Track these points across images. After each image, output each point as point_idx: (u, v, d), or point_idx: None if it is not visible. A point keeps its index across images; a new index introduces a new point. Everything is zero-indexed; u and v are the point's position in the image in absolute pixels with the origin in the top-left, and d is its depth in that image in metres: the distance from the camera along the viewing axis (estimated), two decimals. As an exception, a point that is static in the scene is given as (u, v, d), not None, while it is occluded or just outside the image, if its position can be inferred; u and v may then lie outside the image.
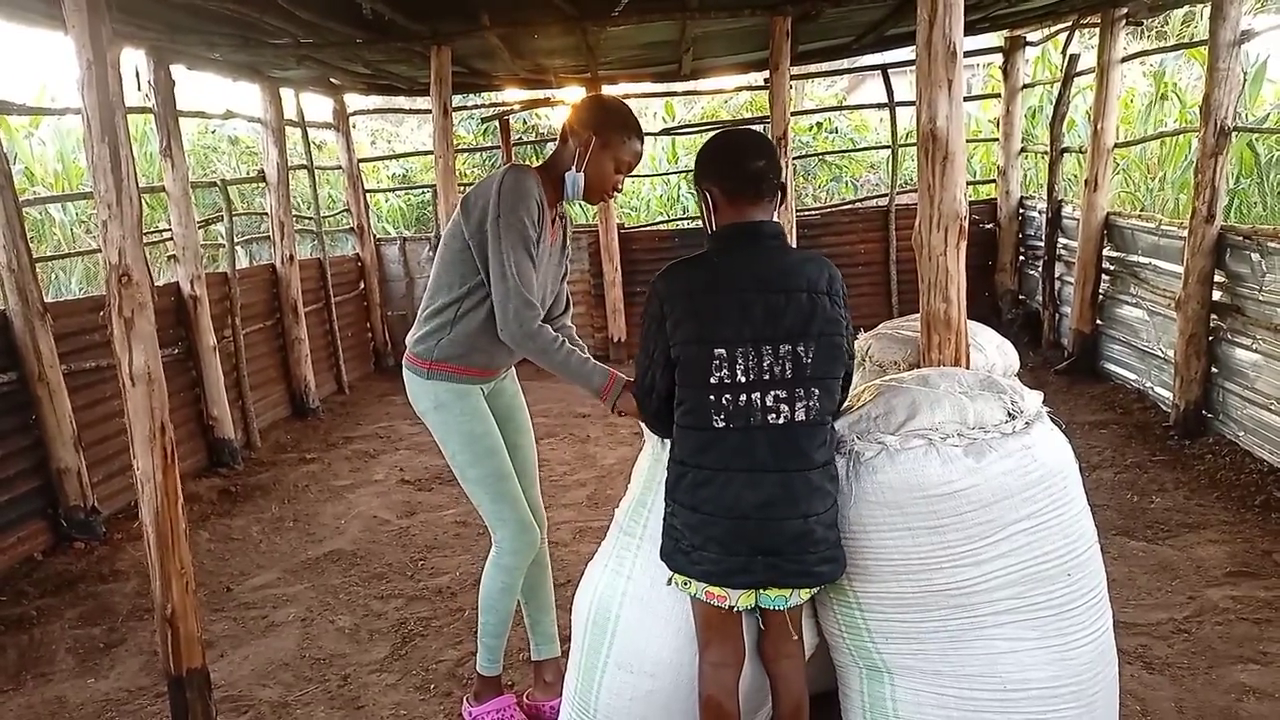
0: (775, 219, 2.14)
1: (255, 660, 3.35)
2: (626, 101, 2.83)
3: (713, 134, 2.31)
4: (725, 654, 2.12)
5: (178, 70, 5.44)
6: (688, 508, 2.04)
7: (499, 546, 2.64)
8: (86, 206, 8.49)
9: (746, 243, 2.08)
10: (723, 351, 1.99)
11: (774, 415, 1.99)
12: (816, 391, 2.01)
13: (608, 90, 8.19)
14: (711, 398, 2.00)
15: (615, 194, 2.61)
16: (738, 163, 2.11)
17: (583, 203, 2.63)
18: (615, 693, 2.32)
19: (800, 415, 2.00)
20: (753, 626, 2.19)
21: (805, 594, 2.10)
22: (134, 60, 5.19)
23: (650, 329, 2.09)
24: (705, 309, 2.01)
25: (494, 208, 2.37)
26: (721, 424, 2.00)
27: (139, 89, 5.28)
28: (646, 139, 2.63)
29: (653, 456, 2.39)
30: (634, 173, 2.69)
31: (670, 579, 2.14)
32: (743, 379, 1.98)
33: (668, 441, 2.17)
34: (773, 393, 1.99)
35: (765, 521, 1.98)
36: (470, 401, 2.58)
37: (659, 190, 11.05)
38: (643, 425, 2.37)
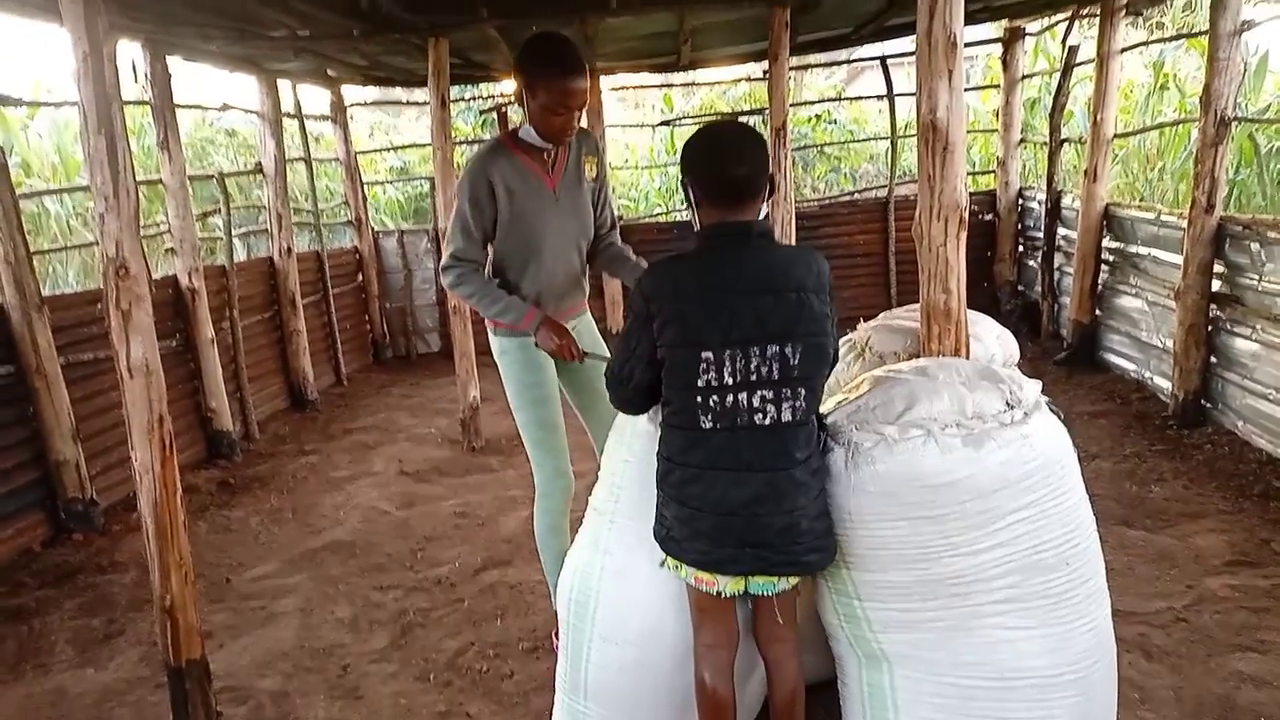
0: (765, 213, 2.08)
1: (255, 651, 3.36)
2: (555, 36, 2.63)
3: (697, 129, 2.18)
4: (718, 636, 2.14)
5: (174, 62, 5.42)
6: (676, 501, 2.06)
7: (538, 489, 2.94)
8: (84, 199, 8.46)
9: (734, 244, 2.03)
10: (710, 355, 1.97)
11: (760, 415, 1.99)
12: (802, 391, 2.01)
13: (606, 82, 8.18)
14: (699, 399, 1.99)
15: (570, 131, 2.65)
16: (717, 171, 2.02)
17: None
18: (603, 667, 2.33)
19: (787, 415, 2.00)
20: (746, 609, 2.22)
21: (793, 580, 2.11)
22: (131, 52, 5.17)
23: (635, 326, 2.07)
24: (691, 312, 1.98)
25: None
26: (709, 425, 2.00)
27: (136, 81, 5.26)
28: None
29: (618, 438, 2.43)
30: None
31: (663, 561, 2.16)
32: (729, 380, 1.98)
33: (633, 420, 2.30)
34: (759, 393, 1.98)
35: (752, 518, 2.00)
36: (529, 353, 2.83)
37: (657, 182, 11.01)
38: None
